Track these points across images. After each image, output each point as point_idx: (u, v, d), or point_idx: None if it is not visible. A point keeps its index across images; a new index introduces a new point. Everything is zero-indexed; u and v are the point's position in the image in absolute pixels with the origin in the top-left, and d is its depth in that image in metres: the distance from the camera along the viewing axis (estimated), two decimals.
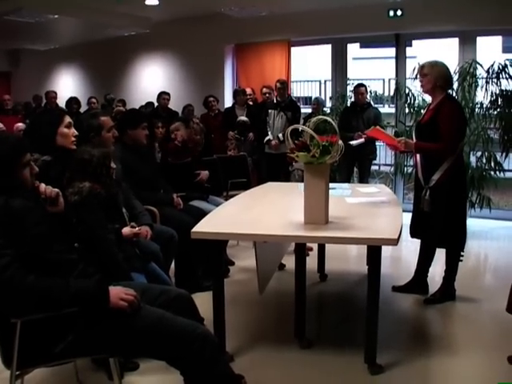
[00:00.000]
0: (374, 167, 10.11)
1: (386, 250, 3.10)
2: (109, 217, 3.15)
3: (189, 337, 2.23)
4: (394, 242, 2.94)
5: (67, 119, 3.28)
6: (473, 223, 7.07)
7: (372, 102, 8.41)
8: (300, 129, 3.38)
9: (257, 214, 3.69)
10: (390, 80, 11.98)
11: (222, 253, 3.49)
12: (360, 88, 7.47)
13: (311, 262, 5.11)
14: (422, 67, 4.28)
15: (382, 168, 10.90)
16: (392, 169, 8.32)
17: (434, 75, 4.15)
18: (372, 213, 3.75)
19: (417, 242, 4.55)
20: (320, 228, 3.14)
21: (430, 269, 4.55)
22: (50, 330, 2.19)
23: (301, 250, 3.52)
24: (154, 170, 4.71)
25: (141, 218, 3.84)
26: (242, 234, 3.24)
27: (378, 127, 4.70)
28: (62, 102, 10.03)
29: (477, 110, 6.92)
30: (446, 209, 4.14)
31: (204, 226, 3.22)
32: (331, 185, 4.85)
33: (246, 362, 3.31)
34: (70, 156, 3.17)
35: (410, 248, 4.85)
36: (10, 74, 13.32)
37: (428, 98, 4.73)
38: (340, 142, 3.21)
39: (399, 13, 7.78)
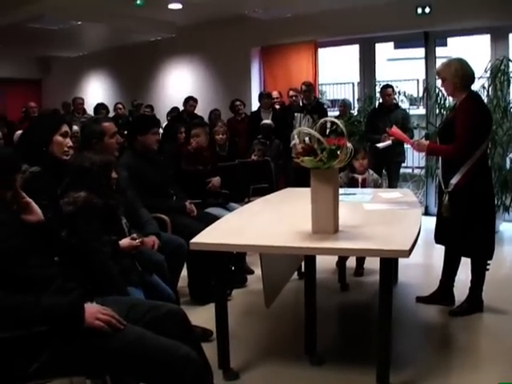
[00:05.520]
0: (407, 170, 9.85)
1: (413, 257, 2.85)
2: (106, 228, 3.00)
3: (170, 358, 2.07)
4: (406, 253, 2.71)
5: (64, 128, 3.14)
6: (506, 228, 6.77)
7: (407, 104, 8.17)
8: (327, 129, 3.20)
9: (265, 222, 3.52)
10: (423, 80, 11.68)
11: (224, 265, 3.31)
12: (387, 89, 7.25)
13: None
14: (437, 73, 4.08)
15: (416, 171, 10.60)
16: (423, 172, 8.03)
17: (450, 77, 3.91)
18: (388, 220, 3.52)
19: None
20: (328, 238, 2.94)
21: (457, 278, 4.29)
22: (24, 349, 2.06)
23: (310, 262, 3.32)
24: (166, 176, 4.57)
25: (147, 227, 3.70)
26: (243, 245, 3.06)
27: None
28: (90, 108, 10.05)
29: (510, 109, 6.60)
30: (466, 215, 3.89)
31: (204, 237, 3.06)
32: (352, 190, 4.69)
33: (251, 380, 3.15)
34: (61, 166, 3.04)
35: (440, 254, 4.59)
36: (41, 82, 13.42)
37: None
38: (349, 145, 3.01)
39: (427, 10, 7.51)
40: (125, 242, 3.12)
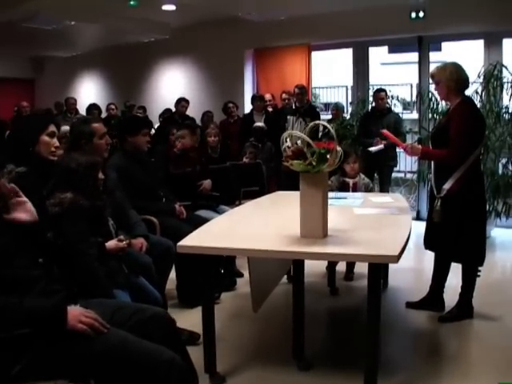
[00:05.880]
0: (399, 175, 9.84)
1: (403, 262, 2.83)
2: (92, 230, 2.97)
3: (153, 362, 2.04)
4: (395, 259, 2.68)
5: (51, 128, 3.11)
6: (498, 233, 6.76)
7: (400, 108, 8.16)
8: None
9: (253, 226, 3.49)
10: (416, 85, 11.68)
11: (212, 268, 3.27)
12: (380, 93, 7.24)
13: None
14: (432, 76, 4.06)
15: (408, 175, 10.59)
16: (415, 176, 8.01)
17: (445, 80, 3.89)
18: (377, 225, 3.50)
19: None
20: (316, 243, 2.90)
21: (447, 284, 4.26)
22: (6, 351, 2.02)
23: (299, 266, 3.29)
24: (155, 178, 4.53)
25: (136, 228, 3.67)
26: (230, 249, 3.03)
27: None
28: (83, 108, 10.01)
29: (503, 114, 6.59)
30: (459, 221, 3.86)
31: (192, 240, 3.02)
32: (342, 194, 4.67)
33: None
34: (48, 167, 3.00)
35: (431, 260, 4.56)
36: (34, 81, 13.36)
37: None
38: (339, 148, 2.98)
39: (421, 14, 7.50)
40: (111, 243, 3.09)
